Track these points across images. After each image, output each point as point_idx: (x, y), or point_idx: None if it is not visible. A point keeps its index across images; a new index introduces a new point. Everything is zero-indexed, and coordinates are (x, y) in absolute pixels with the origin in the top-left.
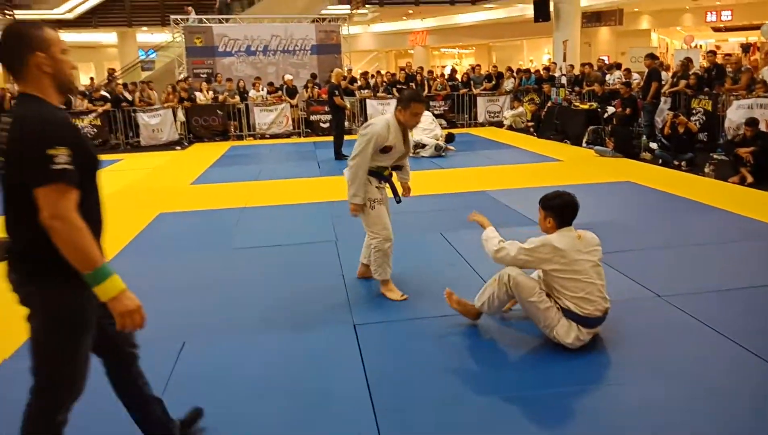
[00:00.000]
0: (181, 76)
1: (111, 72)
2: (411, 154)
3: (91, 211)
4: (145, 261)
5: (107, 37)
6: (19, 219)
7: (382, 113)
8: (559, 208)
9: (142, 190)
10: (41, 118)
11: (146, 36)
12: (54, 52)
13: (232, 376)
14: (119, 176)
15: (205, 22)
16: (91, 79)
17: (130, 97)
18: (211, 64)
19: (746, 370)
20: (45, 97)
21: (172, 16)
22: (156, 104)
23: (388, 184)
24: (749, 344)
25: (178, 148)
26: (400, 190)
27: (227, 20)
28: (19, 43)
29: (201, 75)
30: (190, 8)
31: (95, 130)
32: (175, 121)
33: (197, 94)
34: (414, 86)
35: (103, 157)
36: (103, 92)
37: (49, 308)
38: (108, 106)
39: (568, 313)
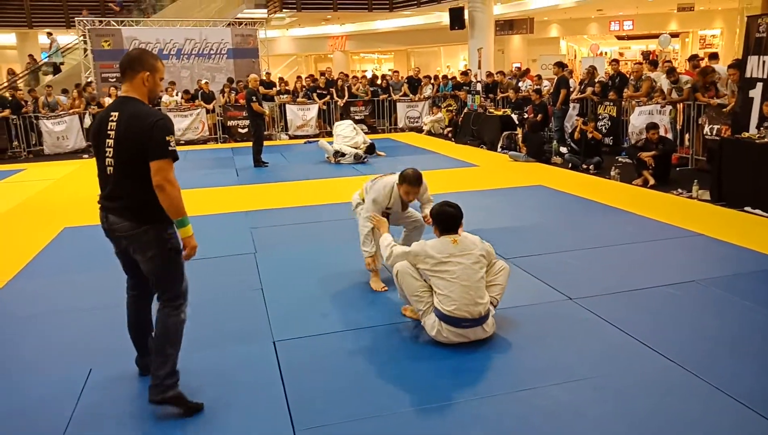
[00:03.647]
0: (89, 80)
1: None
2: (333, 162)
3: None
4: (47, 280)
5: (5, 38)
6: (135, 184)
7: (303, 119)
8: (440, 218)
9: (45, 203)
10: (160, 114)
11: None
12: (156, 76)
13: (142, 401)
14: (20, 188)
15: (113, 25)
16: None
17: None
18: None
19: (654, 370)
20: (144, 101)
21: (77, 18)
22: (63, 110)
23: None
24: (656, 345)
25: (85, 156)
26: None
27: (137, 23)
28: (138, 61)
29: (110, 79)
30: (85, 11)
31: None
32: (82, 127)
33: (106, 99)
34: (334, 92)
35: (1, 167)
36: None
37: (163, 240)
38: (7, 112)
39: (435, 309)
